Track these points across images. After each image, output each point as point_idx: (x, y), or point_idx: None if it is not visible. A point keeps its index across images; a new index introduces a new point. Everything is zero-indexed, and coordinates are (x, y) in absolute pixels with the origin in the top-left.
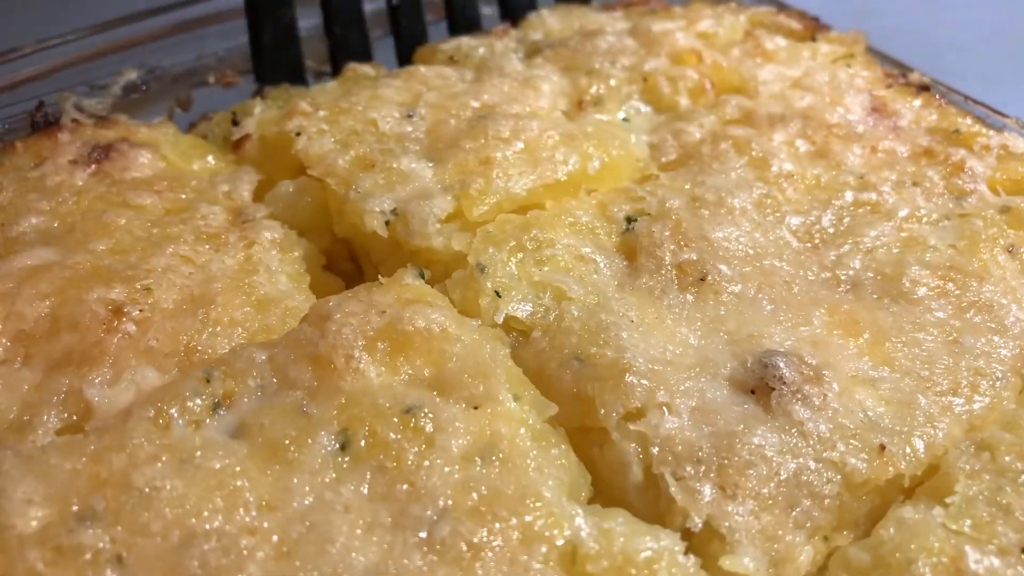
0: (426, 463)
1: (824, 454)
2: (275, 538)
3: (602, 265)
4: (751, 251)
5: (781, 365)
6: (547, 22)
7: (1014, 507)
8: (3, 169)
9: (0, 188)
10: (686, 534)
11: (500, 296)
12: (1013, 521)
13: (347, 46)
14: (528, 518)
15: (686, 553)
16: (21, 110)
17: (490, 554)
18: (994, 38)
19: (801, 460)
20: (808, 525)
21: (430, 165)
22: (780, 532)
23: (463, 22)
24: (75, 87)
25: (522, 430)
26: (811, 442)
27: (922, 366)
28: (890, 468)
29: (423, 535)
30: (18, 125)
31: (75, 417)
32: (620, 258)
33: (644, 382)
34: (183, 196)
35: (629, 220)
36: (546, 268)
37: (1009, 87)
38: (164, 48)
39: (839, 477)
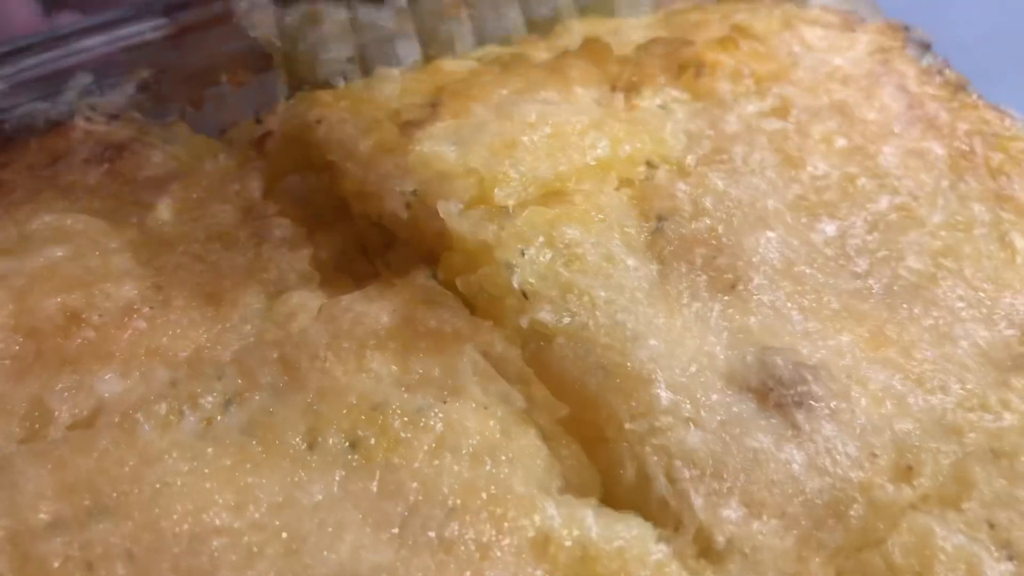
0: (436, 462)
1: (851, 473)
2: (284, 535)
3: (631, 266)
4: (783, 257)
5: (809, 379)
6: (574, 29)
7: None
8: (16, 167)
9: (15, 187)
10: (706, 550)
11: (527, 299)
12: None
13: None
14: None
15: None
16: (35, 108)
17: (498, 553)
18: (994, 38)
19: (827, 479)
20: (831, 545)
21: (453, 148)
22: (804, 553)
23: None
24: (88, 86)
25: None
26: (838, 460)
27: (952, 381)
28: (917, 489)
29: (432, 534)
30: (32, 123)
31: (86, 413)
32: (649, 259)
33: (669, 394)
34: (194, 195)
35: (660, 219)
36: (575, 268)
37: (1009, 87)
38: (176, 47)
39: (864, 498)
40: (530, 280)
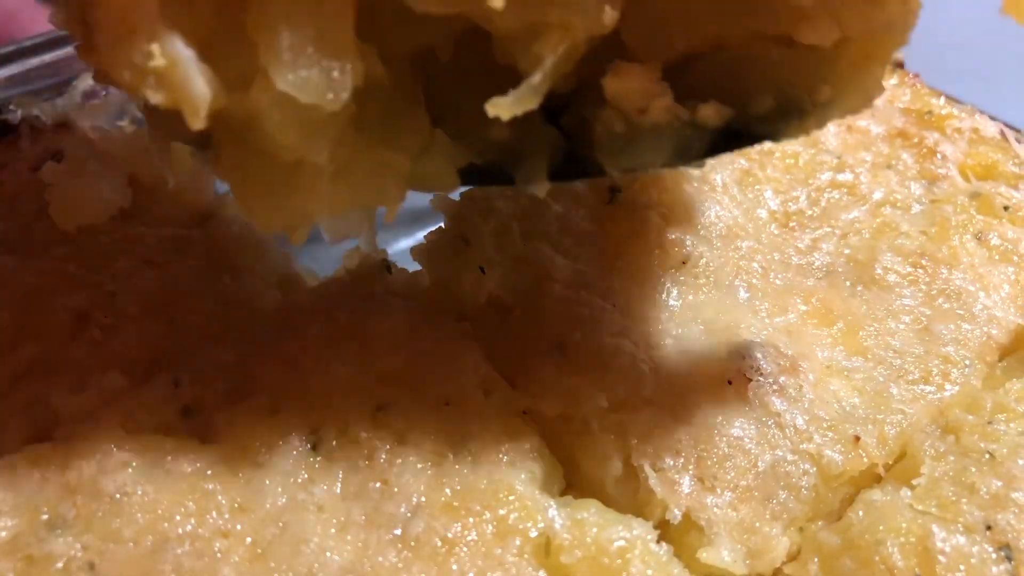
0: (398, 461)
1: (801, 445)
2: (249, 540)
3: (587, 240)
4: (730, 232)
5: (758, 356)
6: None
7: (978, 486)
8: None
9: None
10: (663, 526)
11: (484, 272)
12: (978, 499)
13: None
14: (502, 512)
15: (658, 542)
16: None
17: (464, 549)
18: (994, 38)
19: (778, 452)
20: (784, 516)
21: None
22: (757, 524)
23: None
24: (34, 93)
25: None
26: (788, 433)
27: (894, 355)
28: (864, 458)
29: (397, 532)
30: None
31: (42, 425)
32: (602, 232)
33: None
34: (143, 198)
35: (613, 190)
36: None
37: (1009, 87)
38: None
39: (815, 468)
40: (489, 250)
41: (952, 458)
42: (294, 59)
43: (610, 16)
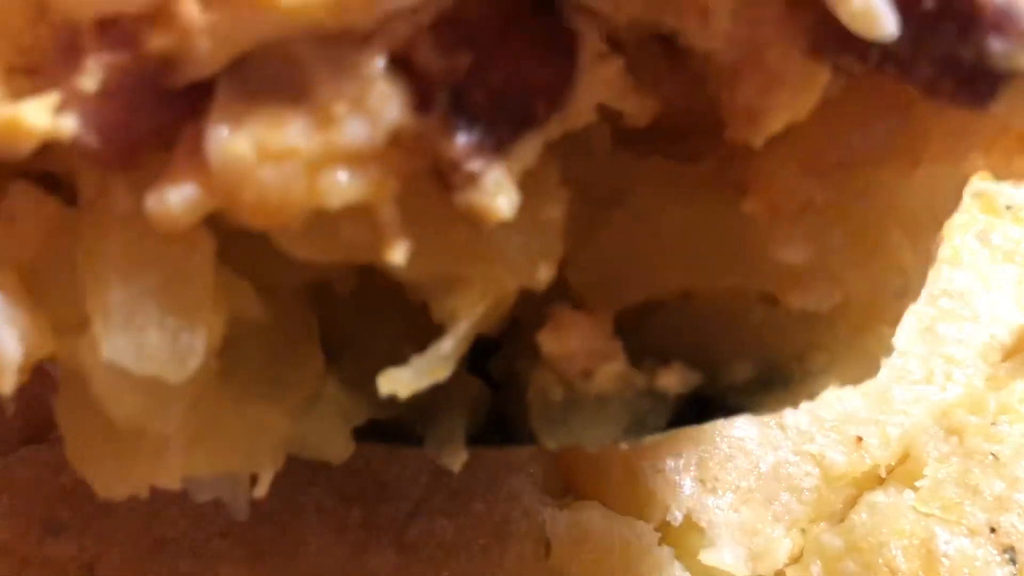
0: (397, 462)
1: (803, 447)
2: (246, 540)
3: None
4: None
5: None
6: None
7: (982, 488)
8: None
9: None
10: (665, 528)
11: None
12: (981, 501)
13: None
14: (501, 513)
15: (660, 544)
16: None
17: (463, 551)
18: None
19: (780, 453)
20: (786, 518)
21: None
22: (759, 526)
23: None
24: None
25: None
26: (790, 434)
27: (897, 355)
28: (867, 460)
29: (396, 534)
30: None
31: (37, 428)
32: None
33: None
34: None
35: None
36: None
37: None
38: None
39: (817, 470)
40: None
41: (955, 460)
42: (127, 318)
43: (545, 273)
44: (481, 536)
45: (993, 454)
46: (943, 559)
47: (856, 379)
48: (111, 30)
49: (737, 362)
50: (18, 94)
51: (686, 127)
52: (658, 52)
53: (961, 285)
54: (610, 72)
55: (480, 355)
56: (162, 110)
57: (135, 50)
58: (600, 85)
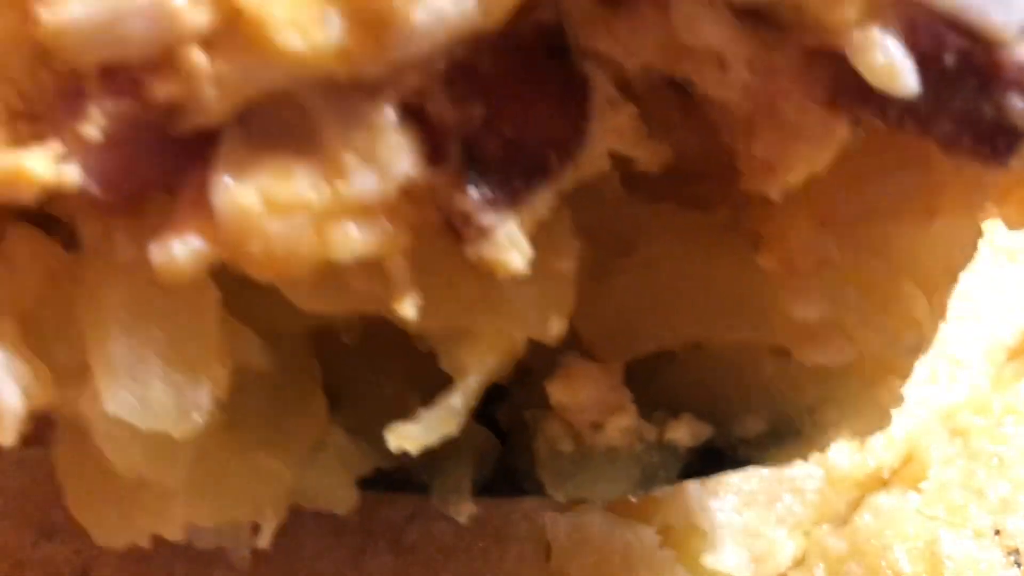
0: None
1: None
2: None
3: None
4: None
5: None
6: None
7: (987, 490)
8: None
9: None
10: (666, 531)
11: None
12: (986, 503)
13: None
14: (501, 516)
15: (662, 547)
16: None
17: (462, 555)
18: None
19: None
20: (789, 520)
21: None
22: (762, 528)
23: None
24: None
25: None
26: None
27: None
28: (871, 462)
29: (394, 538)
30: None
31: (32, 430)
32: None
33: None
34: None
35: None
36: None
37: None
38: None
39: (821, 472)
40: None
41: (960, 462)
42: (131, 372)
43: (557, 326)
44: (480, 539)
45: (998, 456)
46: (947, 561)
47: (866, 431)
48: (115, 77)
49: (748, 415)
50: (20, 140)
51: (699, 172)
52: (671, 99)
53: (966, 286)
54: (622, 120)
55: (487, 400)
56: (166, 157)
57: (139, 98)
58: (612, 133)
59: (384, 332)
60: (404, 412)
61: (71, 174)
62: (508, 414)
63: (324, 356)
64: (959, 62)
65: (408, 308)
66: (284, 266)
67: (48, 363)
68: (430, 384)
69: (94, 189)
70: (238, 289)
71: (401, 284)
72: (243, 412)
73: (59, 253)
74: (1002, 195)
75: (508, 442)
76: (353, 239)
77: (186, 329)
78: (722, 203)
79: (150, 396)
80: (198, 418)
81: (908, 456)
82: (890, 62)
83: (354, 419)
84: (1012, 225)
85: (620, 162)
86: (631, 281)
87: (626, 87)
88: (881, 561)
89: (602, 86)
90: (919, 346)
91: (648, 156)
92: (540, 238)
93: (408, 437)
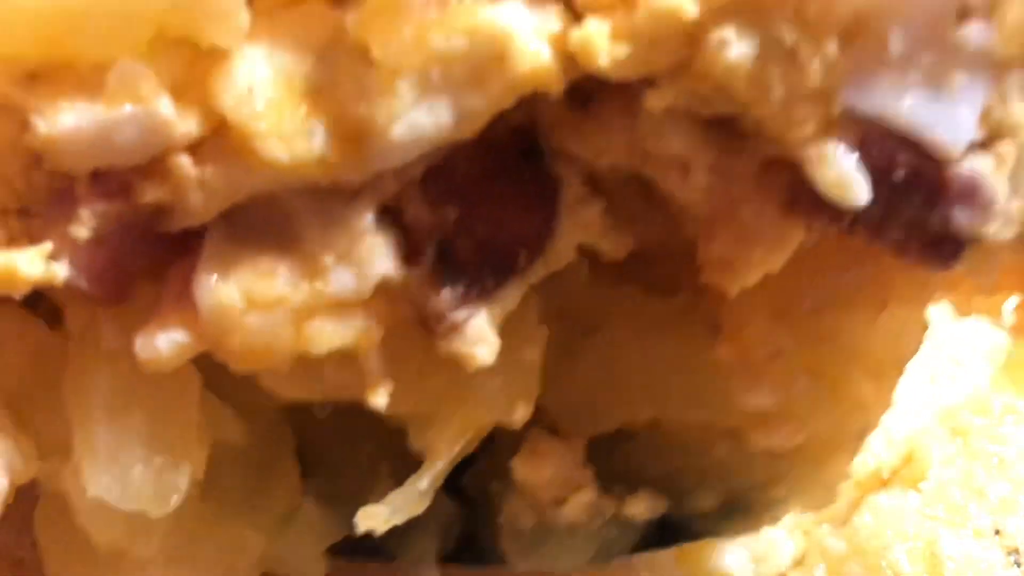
0: None
1: None
2: None
3: None
4: None
5: None
6: None
7: (987, 490)
8: None
9: None
10: None
11: None
12: (987, 504)
13: None
14: None
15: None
16: None
17: None
18: None
19: None
20: (789, 520)
21: None
22: (762, 528)
23: None
24: None
25: None
26: None
27: None
28: (870, 461)
29: None
30: None
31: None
32: None
33: None
34: None
35: None
36: None
37: None
38: None
39: None
40: None
41: (960, 461)
42: (113, 457)
43: (523, 411)
44: None
45: (998, 456)
46: (948, 561)
47: (815, 506)
48: (105, 180)
49: (702, 491)
50: (11, 235)
51: (662, 257)
52: (636, 192)
53: None
54: (590, 215)
55: (454, 469)
56: (153, 252)
57: (129, 200)
58: (580, 228)
59: (356, 407)
60: (375, 479)
61: (60, 271)
62: (473, 481)
63: (297, 426)
64: (909, 176)
65: (380, 398)
66: (262, 359)
67: (32, 437)
68: (400, 452)
69: (82, 284)
70: (218, 368)
71: (374, 375)
72: (218, 484)
73: (44, 332)
74: (950, 286)
75: (473, 509)
76: (329, 334)
77: (168, 414)
78: (683, 288)
79: (131, 479)
80: (175, 500)
81: (908, 456)
82: (843, 175)
83: (325, 486)
84: (961, 312)
85: (586, 252)
86: (594, 361)
87: (594, 182)
88: (881, 561)
89: (572, 184)
90: (865, 430)
91: (613, 247)
92: (508, 328)
93: (376, 518)
